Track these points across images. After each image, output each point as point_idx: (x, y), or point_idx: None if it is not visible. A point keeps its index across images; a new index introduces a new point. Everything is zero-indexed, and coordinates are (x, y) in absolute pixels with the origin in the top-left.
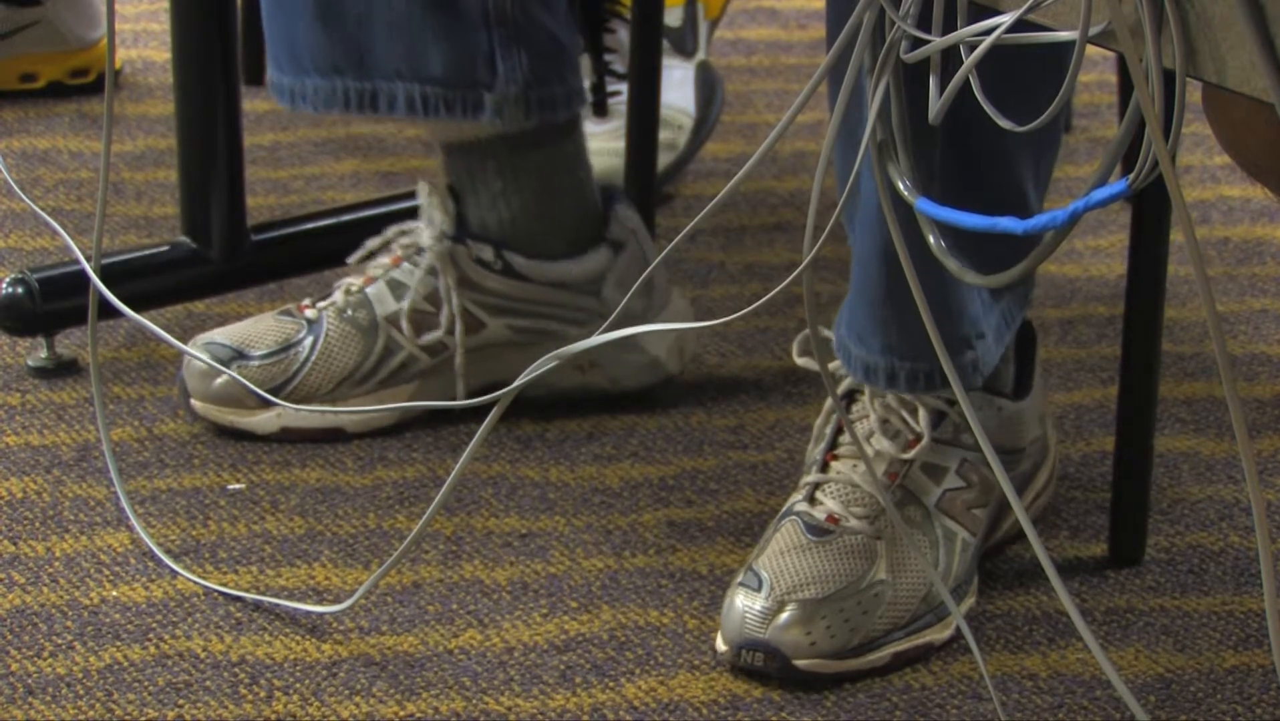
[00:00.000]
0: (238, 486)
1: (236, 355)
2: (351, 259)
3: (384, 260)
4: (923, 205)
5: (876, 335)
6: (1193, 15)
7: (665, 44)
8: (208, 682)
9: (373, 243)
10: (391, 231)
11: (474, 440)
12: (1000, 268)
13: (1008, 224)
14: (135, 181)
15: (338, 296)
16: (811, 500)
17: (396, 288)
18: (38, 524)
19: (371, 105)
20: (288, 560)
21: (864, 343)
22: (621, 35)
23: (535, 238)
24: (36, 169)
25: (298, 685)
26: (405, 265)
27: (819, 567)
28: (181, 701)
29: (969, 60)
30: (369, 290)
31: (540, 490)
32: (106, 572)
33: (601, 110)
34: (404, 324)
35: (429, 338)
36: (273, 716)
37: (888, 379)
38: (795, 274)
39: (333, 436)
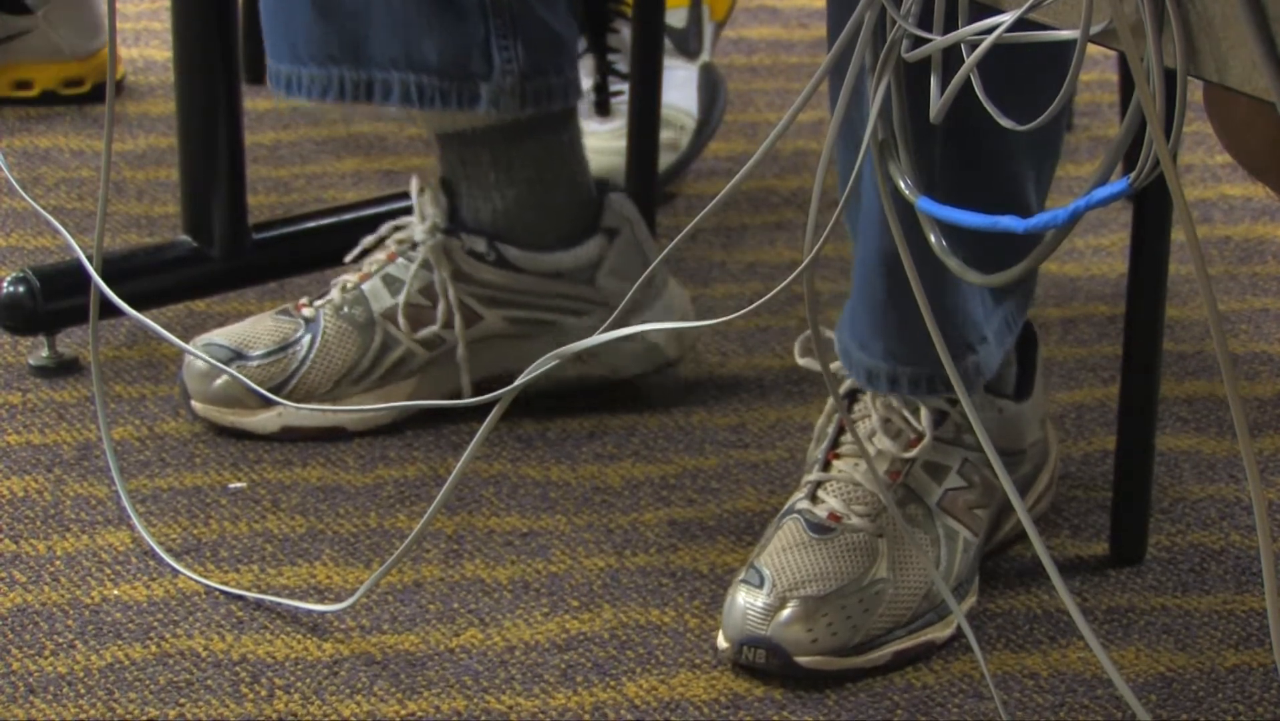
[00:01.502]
0: (239, 485)
1: (235, 356)
2: (349, 258)
3: (379, 256)
4: (924, 204)
5: (878, 340)
6: (1194, 14)
7: (668, 44)
8: (209, 681)
9: (368, 240)
10: (385, 227)
11: (475, 439)
12: (1001, 267)
13: (1009, 223)
14: (136, 180)
15: (334, 294)
16: (813, 498)
17: (391, 283)
18: (39, 523)
19: (367, 95)
20: (289, 559)
21: (866, 347)
22: (625, 35)
23: (529, 228)
24: (38, 168)
25: (299, 684)
26: (400, 260)
27: (820, 565)
28: (183, 700)
29: (970, 59)
30: (364, 286)
31: (541, 489)
32: (108, 571)
33: (604, 110)
34: (400, 319)
35: (425, 332)
36: (274, 715)
37: (889, 383)
38: (796, 273)
39: (333, 435)
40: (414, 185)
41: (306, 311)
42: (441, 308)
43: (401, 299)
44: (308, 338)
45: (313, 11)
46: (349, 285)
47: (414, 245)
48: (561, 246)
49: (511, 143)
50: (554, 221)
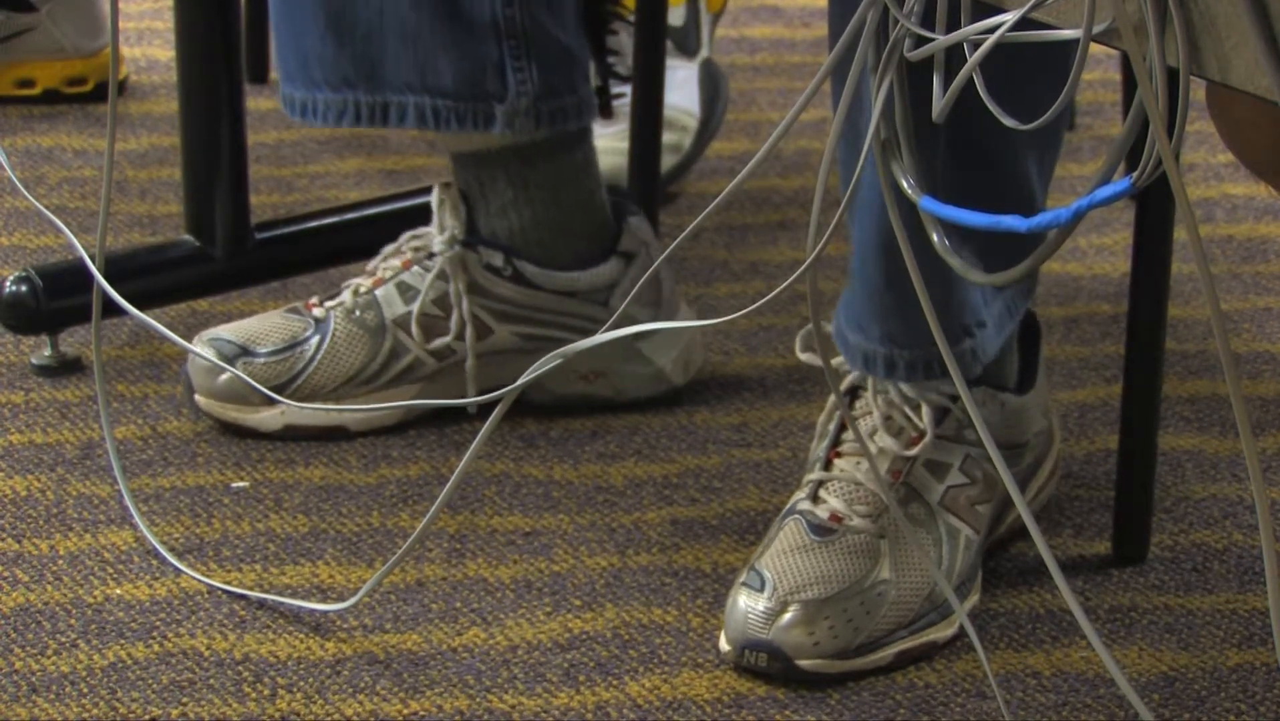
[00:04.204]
0: (241, 484)
1: (242, 351)
2: (370, 266)
3: (394, 262)
4: (927, 204)
5: (875, 324)
6: (1196, 13)
7: (668, 44)
8: (211, 681)
9: (389, 249)
10: (405, 236)
11: (478, 438)
12: (1006, 261)
13: (1011, 222)
14: (139, 179)
15: (346, 297)
16: (815, 498)
17: (406, 291)
18: (42, 522)
19: (383, 118)
20: (291, 558)
21: (863, 331)
22: (624, 37)
23: (545, 247)
24: (40, 167)
25: (301, 683)
26: (415, 268)
27: (822, 568)
28: (185, 699)
29: (973, 59)
30: (378, 292)
31: (544, 488)
32: (110, 571)
33: (606, 112)
34: (413, 328)
35: (438, 343)
36: (276, 714)
37: (887, 367)
38: (799, 272)
39: (336, 435)
40: (434, 196)
41: (317, 311)
42: (455, 319)
43: (416, 308)
44: (316, 338)
45: (326, 35)
46: (361, 289)
47: (430, 254)
48: (578, 266)
49: (527, 163)
50: (570, 241)
